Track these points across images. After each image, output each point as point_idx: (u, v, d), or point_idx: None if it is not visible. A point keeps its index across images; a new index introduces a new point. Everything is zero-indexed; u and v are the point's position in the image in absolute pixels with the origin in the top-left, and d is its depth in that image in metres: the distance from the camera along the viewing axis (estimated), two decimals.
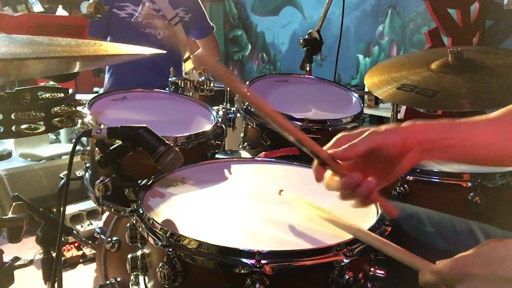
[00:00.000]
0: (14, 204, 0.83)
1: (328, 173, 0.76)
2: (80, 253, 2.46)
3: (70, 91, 1.24)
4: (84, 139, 2.03)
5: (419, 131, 0.73)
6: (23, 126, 1.11)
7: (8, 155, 3.12)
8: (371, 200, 0.74)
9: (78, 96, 1.26)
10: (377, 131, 0.73)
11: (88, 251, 2.45)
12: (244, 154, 1.34)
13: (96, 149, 0.97)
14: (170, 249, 0.72)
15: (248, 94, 0.78)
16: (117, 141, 0.96)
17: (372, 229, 0.77)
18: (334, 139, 0.77)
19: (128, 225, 0.89)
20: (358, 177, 0.72)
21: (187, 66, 2.40)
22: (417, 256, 0.68)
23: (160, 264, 0.73)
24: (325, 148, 0.76)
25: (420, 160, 0.75)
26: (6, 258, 1.00)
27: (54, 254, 1.13)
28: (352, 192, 0.73)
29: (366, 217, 0.84)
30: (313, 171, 0.78)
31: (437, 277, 0.61)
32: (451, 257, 0.61)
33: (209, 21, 2.56)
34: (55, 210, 1.51)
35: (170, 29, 2.24)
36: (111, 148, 0.95)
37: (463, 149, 0.73)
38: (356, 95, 1.57)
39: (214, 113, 1.35)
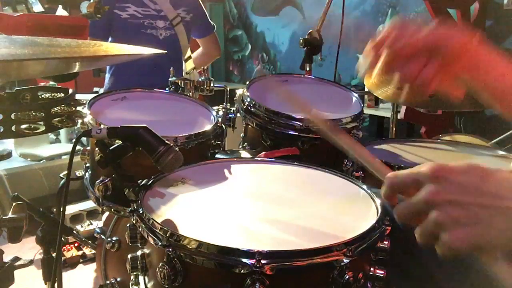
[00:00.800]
0: (14, 204, 0.83)
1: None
2: (80, 253, 2.46)
3: (70, 91, 1.25)
4: (84, 139, 2.03)
5: (479, 42, 0.71)
6: (23, 126, 1.11)
7: (8, 155, 3.12)
8: (432, 87, 0.71)
9: (78, 96, 1.26)
10: (443, 26, 0.70)
11: (88, 251, 2.45)
12: (244, 154, 1.34)
13: (96, 149, 0.97)
14: (170, 249, 0.72)
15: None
16: (117, 141, 0.96)
17: (372, 229, 0.77)
18: (390, 26, 0.73)
19: (128, 225, 0.88)
20: (421, 62, 0.69)
21: (188, 66, 2.40)
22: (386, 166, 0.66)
23: (160, 264, 0.73)
24: (384, 33, 0.73)
25: (464, 74, 0.72)
26: (6, 258, 1.00)
27: (54, 254, 1.13)
28: (413, 81, 0.70)
29: (366, 217, 0.84)
30: (364, 56, 0.74)
31: (412, 175, 0.57)
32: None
33: (209, 20, 2.56)
34: (55, 210, 1.52)
35: None
36: (111, 148, 0.95)
37: (502, 79, 0.72)
38: (356, 95, 1.57)
39: (214, 113, 1.35)
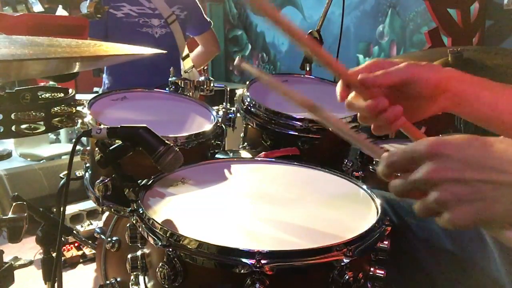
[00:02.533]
0: (14, 204, 0.83)
1: (352, 93, 0.73)
2: (80, 253, 2.46)
3: (70, 91, 1.25)
4: (84, 139, 2.03)
5: (455, 79, 0.71)
6: (23, 126, 1.11)
7: (8, 155, 3.12)
8: (395, 127, 0.70)
9: (78, 96, 1.26)
10: (416, 64, 0.71)
11: (88, 251, 2.45)
12: (244, 154, 1.34)
13: (96, 149, 0.97)
14: (170, 249, 0.72)
15: None
16: (117, 141, 0.96)
17: (372, 229, 0.77)
18: (366, 63, 0.73)
19: (128, 225, 0.88)
20: (384, 102, 0.69)
21: (186, 64, 2.40)
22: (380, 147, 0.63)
23: (160, 264, 0.73)
24: (356, 69, 0.73)
25: (448, 109, 0.72)
26: (6, 258, 1.00)
27: (54, 254, 1.13)
28: (376, 116, 0.70)
29: (366, 217, 0.84)
30: (338, 89, 0.74)
31: (409, 152, 0.55)
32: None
33: (205, 17, 2.55)
34: (55, 210, 1.51)
35: None
36: (111, 148, 0.95)
37: (492, 110, 0.70)
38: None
39: (214, 113, 1.35)
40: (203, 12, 2.53)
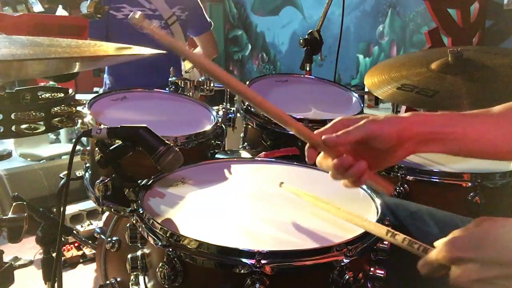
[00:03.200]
0: (14, 204, 0.83)
1: (321, 153, 0.77)
2: (80, 253, 2.46)
3: (70, 91, 1.25)
4: (84, 139, 2.03)
5: (417, 123, 0.73)
6: (23, 126, 1.11)
7: (8, 155, 3.12)
8: (362, 181, 0.74)
9: (78, 96, 1.26)
10: (374, 120, 0.73)
11: (88, 251, 2.45)
12: (244, 154, 1.34)
13: (96, 149, 0.97)
14: (170, 249, 0.72)
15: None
16: (117, 141, 0.96)
17: None
18: (332, 122, 0.76)
19: (128, 225, 0.89)
20: (349, 160, 0.72)
21: (187, 64, 2.39)
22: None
23: (160, 264, 0.73)
24: (321, 130, 0.76)
25: (415, 152, 0.75)
26: (6, 258, 1.00)
27: (54, 254, 1.13)
28: (343, 173, 0.73)
29: (366, 217, 0.83)
30: (306, 152, 0.78)
31: (432, 265, 0.61)
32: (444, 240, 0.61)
33: (207, 18, 2.55)
34: (55, 210, 1.51)
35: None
36: (111, 148, 0.95)
37: (460, 143, 0.73)
38: (356, 95, 1.57)
39: (214, 113, 1.35)
40: (204, 12, 2.52)
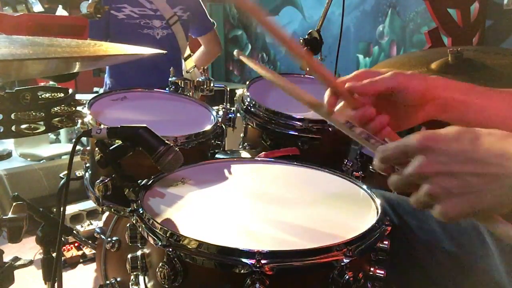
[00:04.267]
0: (14, 204, 0.83)
1: (341, 102, 0.74)
2: (80, 253, 2.46)
3: (70, 91, 1.24)
4: (84, 139, 2.04)
5: (443, 86, 0.72)
6: (23, 126, 1.11)
7: (8, 155, 3.12)
8: (382, 135, 0.71)
9: (78, 96, 1.26)
10: (401, 72, 0.71)
11: (88, 251, 2.45)
12: (244, 154, 1.34)
13: (96, 149, 0.97)
14: (170, 249, 0.72)
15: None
16: (117, 141, 0.96)
17: (372, 229, 0.77)
18: (355, 72, 0.74)
19: (128, 225, 0.89)
20: (371, 111, 0.70)
21: (188, 64, 2.40)
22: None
23: (160, 264, 0.73)
24: (344, 78, 0.74)
25: (435, 116, 0.73)
26: (6, 258, 1.00)
27: (54, 254, 1.13)
28: (362, 125, 0.71)
29: (366, 217, 0.84)
30: (326, 97, 0.75)
31: (397, 149, 0.57)
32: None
33: (209, 17, 2.55)
34: (55, 210, 1.51)
35: None
36: (111, 148, 0.95)
37: (481, 115, 0.71)
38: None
39: (214, 113, 1.35)
40: (206, 13, 2.52)
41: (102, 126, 1.05)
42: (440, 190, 0.52)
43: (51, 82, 1.63)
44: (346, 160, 1.31)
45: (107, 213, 1.53)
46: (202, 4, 2.49)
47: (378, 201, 0.89)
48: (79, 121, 1.20)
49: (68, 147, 3.75)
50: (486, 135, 0.53)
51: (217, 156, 1.26)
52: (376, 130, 0.71)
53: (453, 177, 0.52)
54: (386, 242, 0.78)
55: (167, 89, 1.50)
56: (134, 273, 0.87)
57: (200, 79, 1.55)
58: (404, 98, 0.71)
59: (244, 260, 0.68)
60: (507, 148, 0.51)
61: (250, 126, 1.41)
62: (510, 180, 0.50)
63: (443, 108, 0.72)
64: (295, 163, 1.12)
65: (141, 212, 0.82)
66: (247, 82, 1.49)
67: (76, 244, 2.49)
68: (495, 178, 0.50)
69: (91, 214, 2.73)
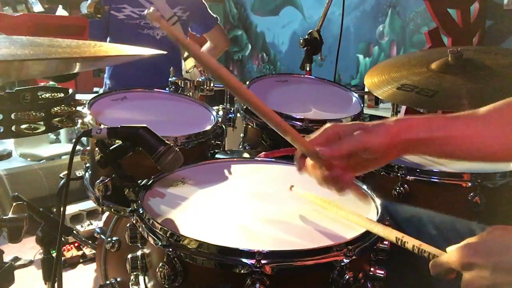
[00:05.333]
0: (14, 204, 0.83)
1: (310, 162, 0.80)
2: (80, 253, 2.46)
3: (70, 91, 1.24)
4: (84, 139, 2.03)
5: (403, 130, 0.75)
6: (23, 126, 1.11)
7: (8, 155, 3.11)
8: (346, 191, 0.80)
9: (78, 96, 1.26)
10: (364, 131, 0.75)
11: (88, 251, 2.45)
12: (244, 154, 1.34)
13: (96, 149, 0.97)
14: (170, 249, 0.72)
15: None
16: (117, 141, 0.96)
17: None
18: (322, 129, 0.79)
19: (128, 225, 0.88)
20: (338, 172, 0.77)
21: (188, 64, 2.40)
22: None
23: (160, 264, 0.73)
24: (312, 137, 0.79)
25: (400, 156, 0.80)
26: (6, 258, 1.00)
27: (54, 254, 1.13)
28: (331, 183, 0.78)
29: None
30: (295, 161, 0.82)
31: (444, 267, 0.62)
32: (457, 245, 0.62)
33: (211, 14, 2.53)
34: (55, 210, 1.51)
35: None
36: (111, 148, 0.95)
37: (446, 146, 0.75)
38: (356, 95, 1.57)
39: (214, 113, 1.35)
40: (207, 9, 2.51)
41: (102, 126, 1.05)
42: None
43: (51, 82, 1.63)
44: None
45: (107, 213, 1.53)
46: (204, 1, 2.48)
47: (378, 201, 0.89)
48: (79, 121, 1.20)
49: (68, 147, 3.75)
50: None
51: (217, 156, 1.26)
52: (342, 187, 0.79)
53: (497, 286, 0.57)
54: (386, 242, 0.78)
55: (167, 89, 1.50)
56: (134, 273, 0.87)
57: (200, 79, 1.55)
58: (369, 154, 0.75)
59: (244, 260, 0.68)
60: None
61: (250, 126, 1.41)
62: None
63: (410, 148, 0.77)
64: (295, 163, 1.12)
65: (141, 212, 0.82)
66: (247, 82, 1.49)
67: (76, 244, 2.49)
68: None
69: (91, 214, 2.73)
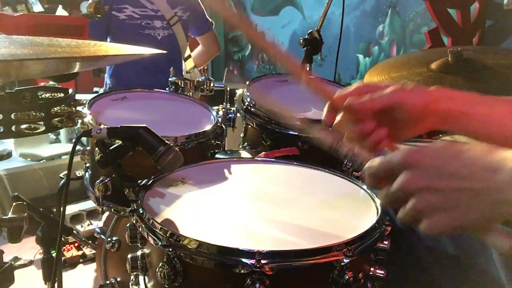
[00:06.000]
0: (14, 204, 0.83)
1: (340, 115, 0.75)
2: (80, 253, 2.46)
3: (70, 91, 1.24)
4: (84, 139, 2.03)
5: (443, 99, 0.72)
6: (23, 126, 1.11)
7: (8, 155, 3.12)
8: (379, 149, 0.73)
9: (78, 96, 1.26)
10: (402, 88, 0.71)
11: (88, 251, 2.45)
12: (244, 154, 1.34)
13: (96, 149, 0.97)
14: (170, 249, 0.72)
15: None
16: (117, 141, 0.96)
17: (372, 229, 0.77)
18: (356, 85, 0.74)
19: (128, 225, 0.88)
20: (370, 126, 0.71)
21: (188, 65, 2.40)
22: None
23: (160, 264, 0.73)
24: (345, 92, 0.74)
25: (437, 127, 0.74)
26: (6, 258, 1.00)
27: (54, 254, 1.13)
28: (361, 139, 0.72)
29: (366, 217, 0.84)
30: (324, 113, 0.76)
31: (385, 164, 0.57)
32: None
33: (208, 17, 2.55)
34: (55, 210, 1.52)
35: None
36: (111, 148, 0.95)
37: (484, 125, 0.72)
38: None
39: (214, 113, 1.35)
40: (205, 13, 2.53)
41: (102, 126, 1.05)
42: (425, 205, 0.53)
43: (51, 82, 1.63)
44: (346, 160, 1.31)
45: (107, 213, 1.53)
46: (201, 4, 2.49)
47: (378, 201, 0.89)
48: (79, 121, 1.20)
49: (68, 147, 3.75)
50: (471, 150, 0.53)
51: (217, 156, 1.26)
52: (373, 144, 0.72)
53: (437, 192, 0.52)
54: (386, 242, 0.78)
55: (167, 89, 1.50)
56: (134, 273, 0.87)
57: (200, 79, 1.55)
58: (403, 113, 0.71)
59: (244, 260, 0.68)
60: (490, 162, 0.51)
61: (250, 126, 1.41)
62: (495, 194, 0.50)
63: (444, 120, 0.73)
64: (295, 163, 1.12)
65: (141, 212, 0.82)
66: (247, 82, 1.49)
67: (76, 244, 2.49)
68: (479, 193, 0.51)
69: (91, 214, 2.73)
